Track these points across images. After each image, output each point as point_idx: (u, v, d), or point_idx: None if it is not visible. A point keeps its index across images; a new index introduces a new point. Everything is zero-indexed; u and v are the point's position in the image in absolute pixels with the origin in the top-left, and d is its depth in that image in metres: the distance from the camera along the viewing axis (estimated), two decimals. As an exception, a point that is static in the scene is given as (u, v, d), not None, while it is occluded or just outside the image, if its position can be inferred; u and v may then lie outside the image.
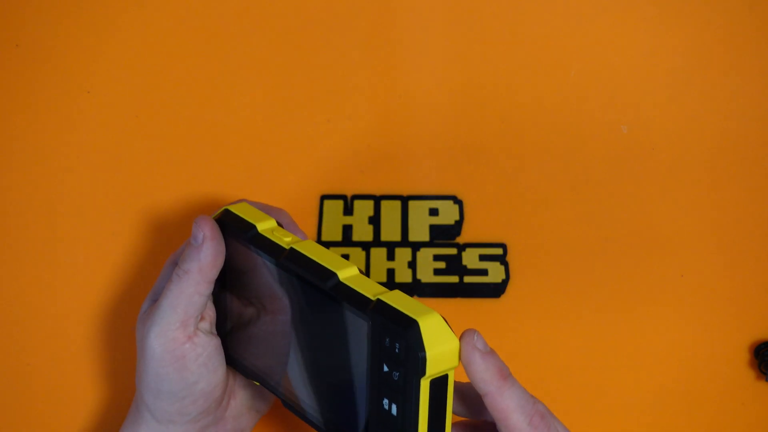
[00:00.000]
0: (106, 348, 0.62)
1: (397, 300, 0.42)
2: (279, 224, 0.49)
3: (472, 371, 0.42)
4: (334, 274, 0.44)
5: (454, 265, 0.61)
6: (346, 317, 0.44)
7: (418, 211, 0.62)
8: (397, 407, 0.41)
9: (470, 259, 0.61)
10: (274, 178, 0.61)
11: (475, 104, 0.59)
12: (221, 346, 0.51)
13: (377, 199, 0.62)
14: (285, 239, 0.48)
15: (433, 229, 0.62)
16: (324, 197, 0.62)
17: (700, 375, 0.62)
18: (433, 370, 0.41)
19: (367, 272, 0.61)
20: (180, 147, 0.61)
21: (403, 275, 0.61)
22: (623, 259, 0.61)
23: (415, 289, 0.61)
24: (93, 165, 0.61)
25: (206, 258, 0.48)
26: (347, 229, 0.62)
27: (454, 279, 0.61)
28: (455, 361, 0.42)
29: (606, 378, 0.61)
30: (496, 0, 0.60)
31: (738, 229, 0.61)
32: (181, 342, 0.49)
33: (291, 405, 0.48)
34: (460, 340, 0.42)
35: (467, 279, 0.61)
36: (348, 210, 0.62)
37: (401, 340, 0.40)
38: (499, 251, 0.62)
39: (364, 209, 0.62)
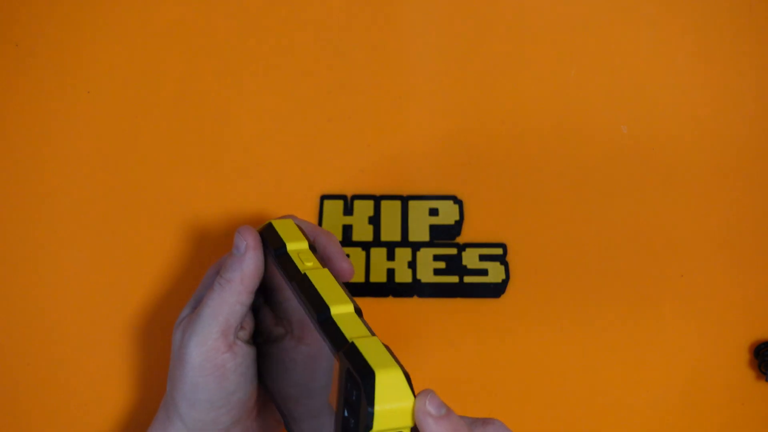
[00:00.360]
0: (107, 348, 0.62)
1: (370, 348, 0.41)
2: (312, 247, 0.49)
3: None
4: (328, 309, 0.44)
5: (454, 265, 0.61)
6: (324, 353, 0.44)
7: (418, 211, 0.62)
8: None
9: (470, 259, 0.61)
10: (274, 178, 0.61)
11: (475, 105, 0.59)
12: (256, 357, 0.51)
13: (377, 199, 0.62)
14: (307, 264, 0.48)
15: (433, 229, 0.62)
16: (324, 197, 0.62)
17: (700, 375, 0.62)
18: (381, 426, 0.40)
19: (367, 272, 0.61)
20: (180, 147, 0.61)
21: (403, 275, 0.61)
22: (623, 259, 0.62)
23: (415, 289, 0.61)
24: (93, 165, 0.61)
25: (248, 267, 0.49)
26: (347, 229, 0.62)
27: (454, 279, 0.61)
28: (409, 421, 0.40)
29: (606, 378, 0.61)
30: (496, 0, 0.60)
31: (738, 229, 0.61)
32: (222, 351, 0.49)
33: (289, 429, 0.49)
34: (415, 400, 0.40)
35: (467, 279, 0.61)
36: (348, 210, 0.62)
37: (357, 389, 0.40)
38: (499, 251, 0.62)
39: (364, 209, 0.62)
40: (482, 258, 0.62)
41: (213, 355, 0.48)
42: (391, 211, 0.62)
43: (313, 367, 0.46)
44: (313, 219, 0.62)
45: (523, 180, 0.61)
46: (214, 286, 0.49)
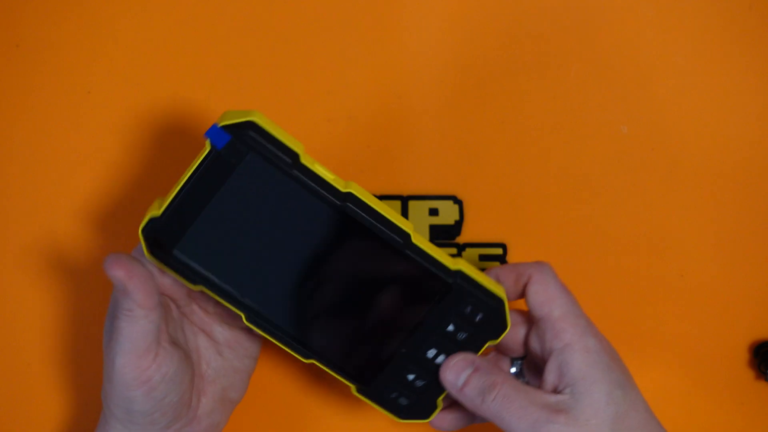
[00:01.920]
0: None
1: (476, 273, 0.51)
2: None
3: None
4: (408, 235, 0.49)
5: (454, 265, 0.61)
6: (419, 276, 0.50)
7: (418, 211, 0.62)
8: (445, 357, 0.51)
9: (470, 259, 0.61)
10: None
11: (475, 104, 0.59)
12: (185, 356, 0.51)
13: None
14: (330, 176, 0.48)
15: (433, 229, 0.62)
16: (324, 197, 0.62)
17: (700, 375, 0.62)
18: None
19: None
20: (180, 147, 0.61)
21: (403, 275, 0.61)
22: (623, 259, 0.62)
23: (415, 289, 0.61)
24: (92, 165, 0.61)
25: (138, 296, 0.47)
26: (347, 229, 0.62)
27: (454, 279, 0.61)
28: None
29: (606, 378, 0.61)
30: (496, 0, 0.60)
31: (738, 229, 0.61)
32: (146, 367, 0.49)
33: (276, 330, 0.50)
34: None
35: (467, 279, 0.61)
36: (348, 210, 0.62)
37: (486, 311, 0.51)
38: (499, 251, 0.62)
39: (364, 209, 0.62)
40: (482, 258, 0.62)
41: (138, 372, 0.49)
42: (391, 211, 0.62)
43: (344, 269, 0.50)
44: (313, 219, 0.62)
45: (523, 180, 0.61)
46: (118, 315, 0.48)
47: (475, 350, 0.52)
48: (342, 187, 0.48)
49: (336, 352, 0.51)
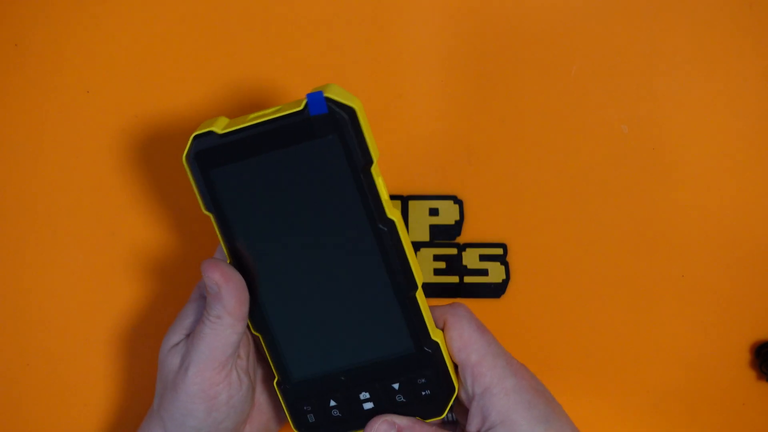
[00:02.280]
0: (107, 349, 0.62)
1: (447, 355, 0.51)
2: None
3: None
4: (415, 287, 0.49)
5: (454, 265, 0.61)
6: (401, 324, 0.50)
7: (418, 211, 0.62)
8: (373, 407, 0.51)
9: (470, 259, 0.61)
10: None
11: (475, 104, 0.59)
12: (251, 387, 0.51)
13: (377, 199, 0.62)
14: (385, 196, 0.48)
15: (433, 229, 0.62)
16: (324, 197, 0.62)
17: (701, 375, 0.62)
18: None
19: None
20: (179, 147, 0.61)
21: (403, 275, 0.61)
22: (623, 259, 0.61)
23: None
24: (92, 165, 0.61)
25: (230, 304, 0.48)
26: (347, 229, 0.62)
27: (455, 279, 0.61)
28: None
29: (606, 378, 0.61)
30: (496, 0, 0.60)
31: (738, 229, 0.61)
32: (218, 382, 0.49)
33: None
34: None
35: (467, 279, 0.61)
36: (348, 210, 0.62)
37: (435, 392, 0.51)
38: (499, 251, 0.62)
39: (364, 209, 0.62)
40: (482, 258, 0.61)
41: (208, 385, 0.49)
42: (391, 211, 0.62)
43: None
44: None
45: (523, 180, 0.61)
46: (205, 321, 0.49)
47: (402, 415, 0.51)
48: (389, 211, 0.48)
49: (286, 336, 0.50)
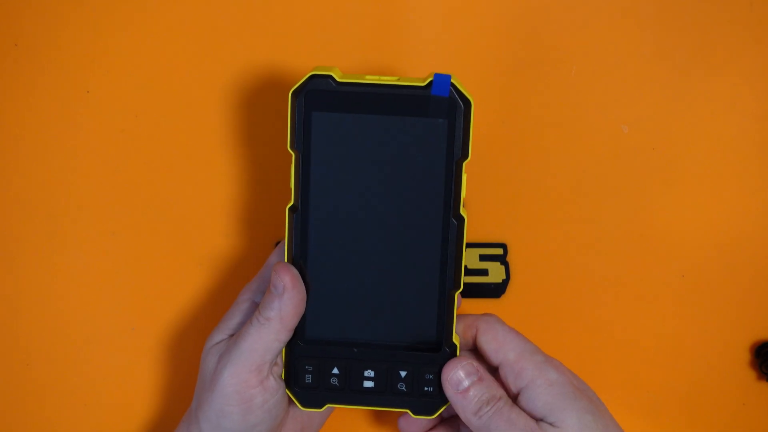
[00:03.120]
0: (107, 349, 0.62)
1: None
2: None
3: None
4: (457, 289, 0.51)
5: (454, 265, 0.61)
6: (431, 317, 0.51)
7: (418, 211, 0.62)
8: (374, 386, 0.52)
9: (470, 259, 0.61)
10: (274, 181, 0.61)
11: (475, 104, 0.59)
12: (286, 395, 0.52)
13: (377, 199, 0.62)
14: (463, 193, 0.50)
15: (433, 229, 0.62)
16: (324, 197, 0.62)
17: (701, 375, 0.62)
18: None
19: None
20: (179, 147, 0.61)
21: (403, 275, 0.61)
22: (623, 259, 0.61)
23: (415, 289, 0.61)
24: (93, 165, 0.61)
25: (287, 309, 0.49)
26: (347, 229, 0.62)
27: (454, 279, 0.61)
28: None
29: (606, 378, 0.61)
30: (495, 0, 0.60)
31: (738, 229, 0.61)
32: (253, 386, 0.49)
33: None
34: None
35: (467, 279, 0.61)
36: (348, 210, 0.62)
37: (436, 391, 0.52)
38: (499, 251, 0.62)
39: (364, 209, 0.62)
40: (482, 258, 0.61)
41: (243, 387, 0.49)
42: (391, 211, 0.62)
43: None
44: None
45: (523, 180, 0.61)
46: (252, 321, 0.49)
47: (394, 405, 0.52)
48: (462, 209, 0.50)
49: (318, 292, 0.51)
